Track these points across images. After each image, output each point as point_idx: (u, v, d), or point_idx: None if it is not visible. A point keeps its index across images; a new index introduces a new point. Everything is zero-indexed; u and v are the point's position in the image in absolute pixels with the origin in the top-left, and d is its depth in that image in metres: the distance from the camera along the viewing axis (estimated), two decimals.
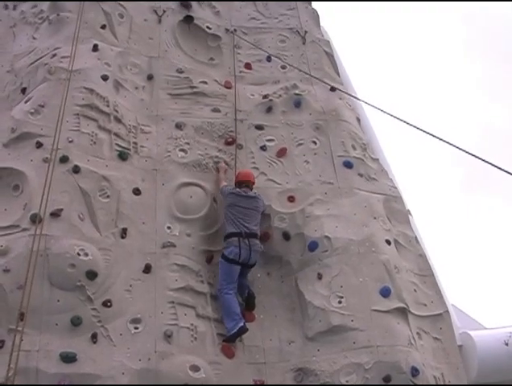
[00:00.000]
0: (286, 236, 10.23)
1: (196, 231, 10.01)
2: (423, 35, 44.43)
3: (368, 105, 10.16)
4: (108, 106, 10.42)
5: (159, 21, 12.35)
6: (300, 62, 12.57)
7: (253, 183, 10.42)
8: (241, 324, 9.33)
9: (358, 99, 11.68)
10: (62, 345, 8.31)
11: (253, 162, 10.87)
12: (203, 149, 10.86)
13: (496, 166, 7.35)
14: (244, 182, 10.33)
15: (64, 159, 9.56)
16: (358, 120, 12.11)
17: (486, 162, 7.43)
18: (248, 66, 12.45)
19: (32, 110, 10.14)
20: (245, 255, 9.63)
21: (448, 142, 8.11)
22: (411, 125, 8.73)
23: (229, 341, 9.32)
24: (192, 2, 12.74)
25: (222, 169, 10.62)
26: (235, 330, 9.28)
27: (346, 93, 11.95)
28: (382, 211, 10.49)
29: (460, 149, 7.89)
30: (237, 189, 10.17)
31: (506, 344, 9.85)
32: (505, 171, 7.19)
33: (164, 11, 12.48)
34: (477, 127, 38.62)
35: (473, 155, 7.67)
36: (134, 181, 10.05)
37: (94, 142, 10.04)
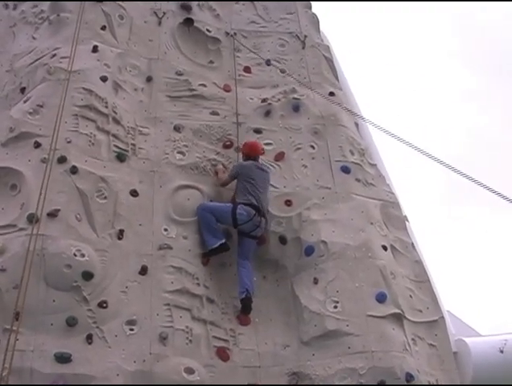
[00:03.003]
0: (282, 240, 10.23)
1: (193, 233, 10.00)
2: (419, 37, 44.74)
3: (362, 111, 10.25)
4: (106, 107, 10.42)
5: (159, 23, 12.35)
6: (299, 66, 12.58)
7: (263, 153, 10.86)
8: (223, 241, 9.77)
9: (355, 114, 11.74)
10: (57, 345, 8.28)
11: None
12: (201, 151, 10.87)
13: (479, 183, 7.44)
14: (252, 157, 10.64)
15: (62, 160, 9.56)
16: (356, 125, 12.13)
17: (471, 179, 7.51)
18: (247, 69, 12.46)
19: (31, 110, 10.15)
20: (251, 228, 9.96)
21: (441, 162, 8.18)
22: (406, 142, 8.80)
23: (208, 255, 9.77)
24: (193, 5, 12.75)
25: (220, 171, 10.63)
26: (217, 246, 9.73)
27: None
28: (379, 217, 10.50)
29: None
30: (252, 161, 10.52)
31: (501, 351, 9.85)
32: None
33: (164, 13, 12.48)
34: (465, 132, 38.80)
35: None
36: (132, 182, 10.04)
37: (92, 143, 10.04)
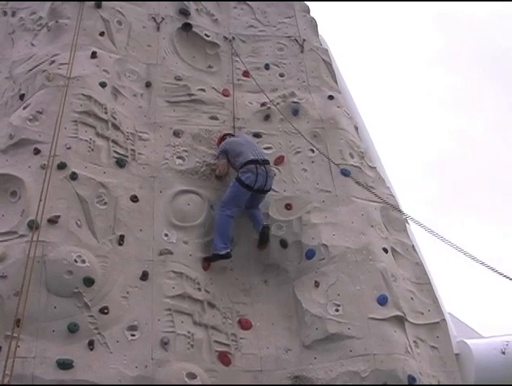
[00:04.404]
0: (283, 244, 10.23)
1: (193, 238, 10.01)
2: (411, 36, 44.98)
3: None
4: (106, 113, 10.42)
5: (158, 28, 12.35)
6: (298, 70, 12.59)
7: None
8: (228, 251, 9.83)
9: None
10: (59, 352, 8.28)
11: None
12: (200, 156, 10.87)
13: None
14: (226, 135, 11.00)
15: (62, 166, 9.56)
16: (356, 128, 12.13)
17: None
18: (246, 74, 12.47)
19: (30, 117, 10.14)
20: (262, 181, 10.08)
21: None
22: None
23: (210, 260, 9.86)
24: (191, 10, 12.75)
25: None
26: (222, 253, 9.80)
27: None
28: (379, 220, 10.50)
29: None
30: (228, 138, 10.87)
31: (503, 353, 9.85)
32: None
33: (163, 19, 12.49)
34: (454, 134, 38.89)
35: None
36: (132, 188, 10.04)
37: (92, 149, 10.04)
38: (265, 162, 10.24)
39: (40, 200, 8.89)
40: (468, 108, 39.22)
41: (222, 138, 10.91)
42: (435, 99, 40.85)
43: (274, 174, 10.51)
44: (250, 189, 10.05)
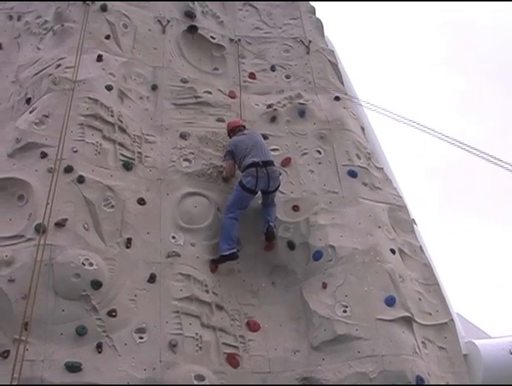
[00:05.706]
0: (290, 246, 10.23)
1: (201, 240, 10.01)
2: (416, 36, 44.92)
3: (372, 110, 10.19)
4: (112, 116, 10.44)
5: (163, 31, 12.37)
6: (304, 71, 12.61)
7: (244, 126, 11.05)
8: (234, 251, 9.85)
9: (360, 104, 11.76)
10: (67, 355, 8.29)
11: None
12: (207, 158, 10.87)
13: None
14: (237, 128, 10.89)
15: (69, 169, 9.58)
16: (362, 129, 12.13)
17: None
18: (252, 76, 12.48)
19: (37, 120, 10.16)
20: (264, 184, 10.10)
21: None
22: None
23: (217, 262, 9.86)
24: (196, 12, 12.76)
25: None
26: (227, 253, 9.82)
27: (350, 98, 12.01)
28: (387, 221, 10.48)
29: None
30: (236, 136, 10.78)
31: (511, 353, 9.83)
32: None
33: (168, 21, 12.50)
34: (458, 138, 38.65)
35: None
36: (139, 191, 10.05)
37: (99, 152, 10.05)
38: (266, 164, 10.22)
39: (47, 204, 8.91)
40: (471, 113, 39.20)
41: (232, 130, 10.92)
42: (439, 102, 40.85)
43: (280, 174, 10.48)
44: (252, 192, 10.09)
